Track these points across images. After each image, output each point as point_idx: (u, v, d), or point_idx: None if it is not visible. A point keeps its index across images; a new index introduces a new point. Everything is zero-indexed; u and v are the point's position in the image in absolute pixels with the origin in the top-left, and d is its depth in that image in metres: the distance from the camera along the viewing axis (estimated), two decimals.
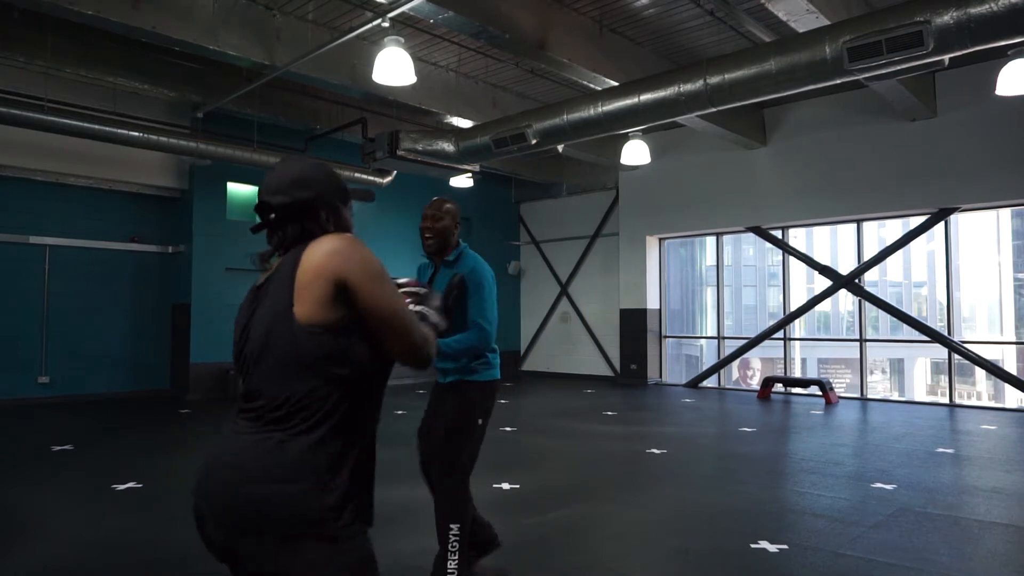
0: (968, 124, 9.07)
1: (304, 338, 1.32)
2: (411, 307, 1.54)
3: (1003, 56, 7.08)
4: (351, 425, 1.37)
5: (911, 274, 31.08)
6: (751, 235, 11.66)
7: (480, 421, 2.98)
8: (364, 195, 1.97)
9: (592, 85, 7.89)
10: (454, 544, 2.89)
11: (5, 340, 9.21)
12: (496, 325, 2.96)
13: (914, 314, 13.69)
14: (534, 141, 8.05)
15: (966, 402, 11.84)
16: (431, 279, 3.05)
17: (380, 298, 1.36)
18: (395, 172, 11.12)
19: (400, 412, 8.70)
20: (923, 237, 10.56)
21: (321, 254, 1.35)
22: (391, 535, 3.81)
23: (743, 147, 10.96)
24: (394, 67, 6.47)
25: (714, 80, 6.44)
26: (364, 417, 1.41)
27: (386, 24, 6.28)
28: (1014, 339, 18.05)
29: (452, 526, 2.90)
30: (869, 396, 10.81)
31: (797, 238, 12.69)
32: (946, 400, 10.24)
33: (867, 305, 10.65)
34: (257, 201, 1.49)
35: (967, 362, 9.62)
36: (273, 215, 1.45)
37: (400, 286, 1.61)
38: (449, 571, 2.86)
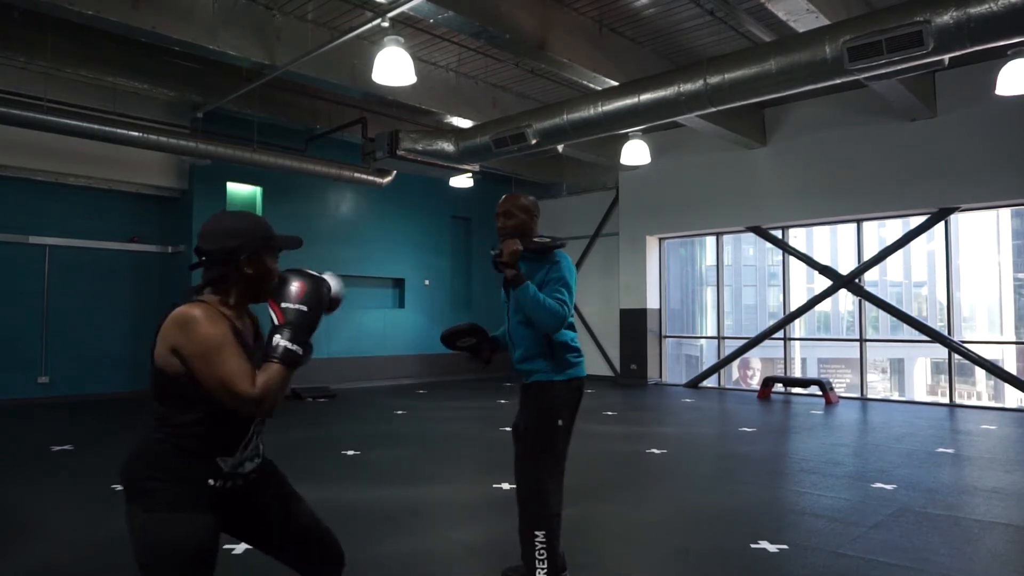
0: (968, 124, 9.07)
1: (157, 373, 1.75)
2: (274, 340, 1.74)
3: (1003, 56, 7.08)
4: (190, 431, 1.76)
5: (911, 274, 31.11)
6: (751, 235, 11.66)
7: (560, 421, 2.90)
8: (292, 242, 2.05)
9: (592, 85, 7.88)
10: (541, 552, 2.72)
11: (5, 340, 9.21)
12: (569, 315, 2.87)
13: (914, 314, 13.67)
14: (534, 141, 8.05)
15: (966, 402, 11.84)
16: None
17: (205, 371, 1.68)
18: (395, 172, 11.12)
19: (400, 412, 8.70)
20: (923, 237, 10.56)
21: (170, 322, 1.71)
22: (391, 534, 3.81)
23: (743, 147, 10.96)
24: (394, 67, 6.47)
25: (714, 80, 6.44)
26: (204, 426, 1.76)
27: (386, 24, 6.28)
28: (1014, 339, 18.07)
29: (536, 533, 2.74)
30: (869, 396, 10.81)
31: (797, 238, 12.68)
32: (946, 400, 10.24)
33: (867, 305, 10.65)
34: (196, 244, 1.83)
35: (967, 362, 9.62)
36: (204, 258, 1.82)
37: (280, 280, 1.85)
38: None
